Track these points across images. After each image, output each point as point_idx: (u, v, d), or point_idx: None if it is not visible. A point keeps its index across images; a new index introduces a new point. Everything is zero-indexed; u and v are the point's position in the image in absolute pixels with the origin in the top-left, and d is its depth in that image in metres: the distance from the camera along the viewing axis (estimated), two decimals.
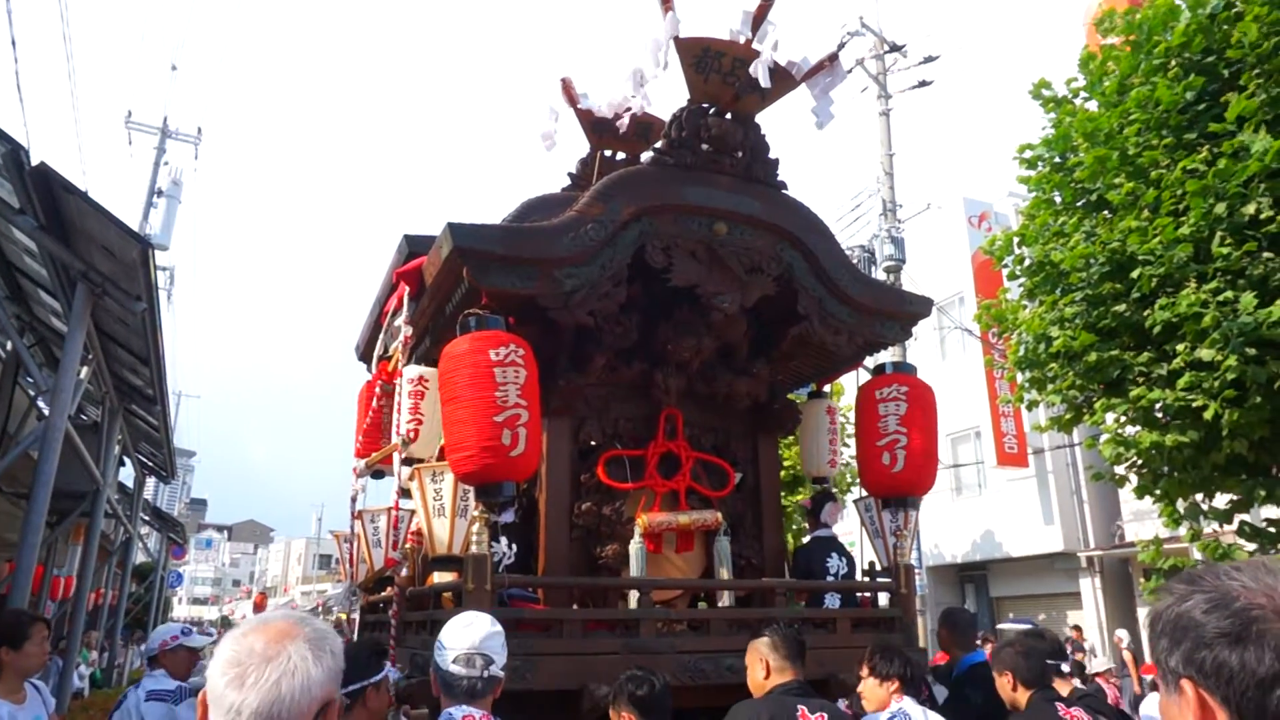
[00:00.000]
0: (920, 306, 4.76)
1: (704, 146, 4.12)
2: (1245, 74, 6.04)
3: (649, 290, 4.18)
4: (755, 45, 3.89)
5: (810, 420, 5.15)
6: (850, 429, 5.76)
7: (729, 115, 4.18)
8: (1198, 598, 0.86)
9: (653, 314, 4.31)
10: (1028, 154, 7.70)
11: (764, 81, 3.83)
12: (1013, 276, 7.92)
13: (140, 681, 3.80)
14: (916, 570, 8.18)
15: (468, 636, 2.30)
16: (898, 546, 4.52)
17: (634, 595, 3.94)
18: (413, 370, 4.27)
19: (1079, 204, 7.22)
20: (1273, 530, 6.63)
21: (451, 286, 3.88)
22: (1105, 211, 6.98)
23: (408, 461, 4.14)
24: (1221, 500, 6.91)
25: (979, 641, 5.14)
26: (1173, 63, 6.59)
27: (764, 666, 2.75)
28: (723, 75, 4.01)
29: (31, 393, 8.92)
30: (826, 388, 5.50)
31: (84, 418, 9.80)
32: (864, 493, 4.85)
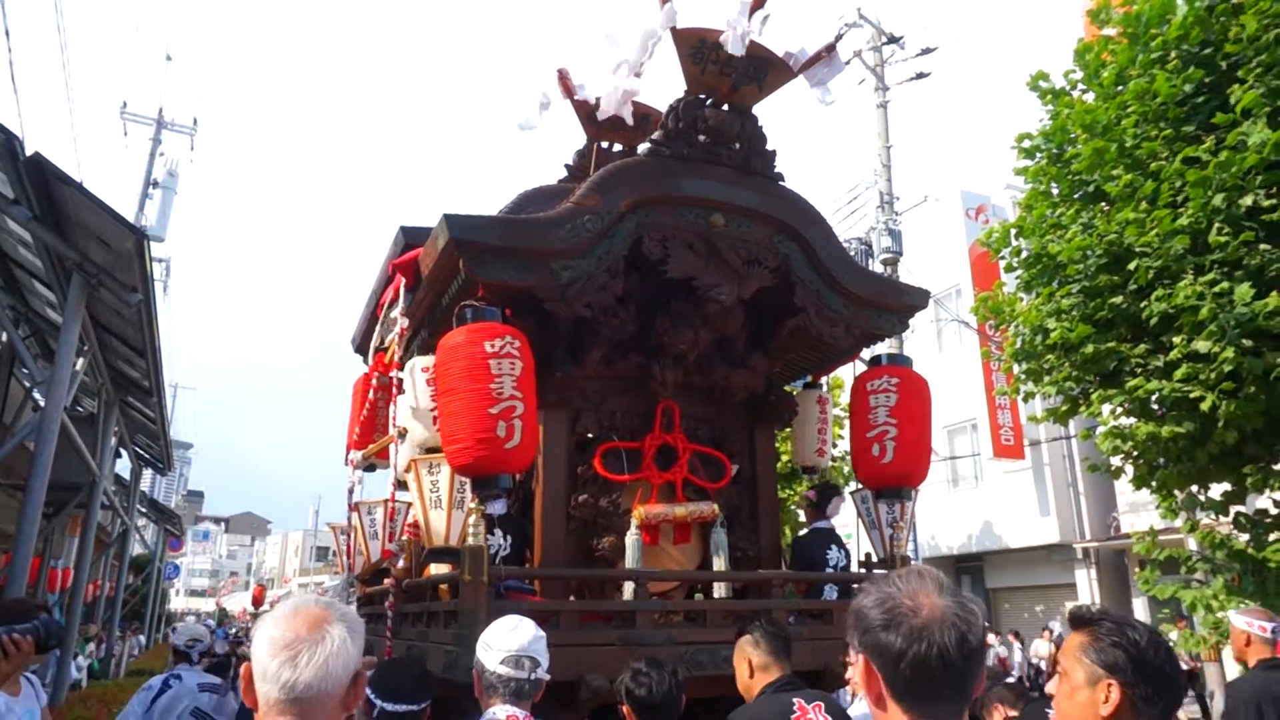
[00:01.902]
0: (917, 299, 4.75)
1: (701, 138, 4.11)
2: (1244, 67, 6.02)
3: (646, 282, 4.17)
4: (752, 35, 3.87)
5: (802, 411, 5.15)
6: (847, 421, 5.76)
7: (726, 107, 4.16)
8: (869, 598, 1.18)
9: (649, 306, 4.30)
10: (1026, 143, 7.68)
11: (738, 51, 3.79)
12: (1010, 269, 7.92)
13: (177, 674, 3.74)
14: (913, 562, 8.18)
15: (515, 639, 2.30)
16: (894, 538, 4.53)
17: (629, 586, 3.94)
18: (424, 360, 4.21)
19: (1076, 196, 7.21)
20: (1268, 520, 6.66)
21: (448, 278, 3.86)
22: (1103, 203, 6.97)
23: (432, 450, 4.09)
24: (1217, 491, 6.92)
25: None
26: (1171, 55, 6.57)
27: (747, 665, 2.66)
28: (719, 67, 3.99)
29: (27, 384, 8.90)
30: (823, 379, 5.50)
31: (80, 409, 9.78)
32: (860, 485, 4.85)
